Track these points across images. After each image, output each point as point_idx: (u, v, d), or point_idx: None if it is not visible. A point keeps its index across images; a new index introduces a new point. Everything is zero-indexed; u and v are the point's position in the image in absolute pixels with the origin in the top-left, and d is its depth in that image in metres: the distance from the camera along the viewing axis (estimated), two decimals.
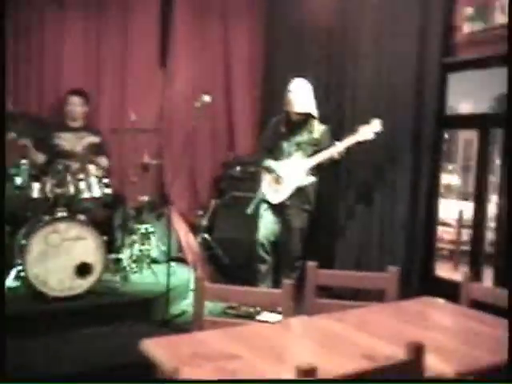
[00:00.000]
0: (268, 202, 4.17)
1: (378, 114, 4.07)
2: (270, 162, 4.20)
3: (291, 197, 4.13)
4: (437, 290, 3.18)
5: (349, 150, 4.12)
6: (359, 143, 3.94)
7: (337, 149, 3.99)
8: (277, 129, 4.18)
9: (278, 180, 4.17)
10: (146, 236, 4.43)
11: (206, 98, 3.92)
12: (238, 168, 5.16)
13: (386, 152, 4.23)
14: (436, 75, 3.96)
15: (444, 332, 2.04)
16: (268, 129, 4.28)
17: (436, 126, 3.96)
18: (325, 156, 4.03)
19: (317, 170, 4.18)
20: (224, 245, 4.86)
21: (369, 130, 3.93)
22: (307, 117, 4.09)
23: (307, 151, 4.10)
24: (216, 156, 5.48)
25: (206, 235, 4.88)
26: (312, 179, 4.13)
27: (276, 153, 4.18)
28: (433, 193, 4.03)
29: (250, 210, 4.21)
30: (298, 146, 4.13)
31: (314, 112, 4.10)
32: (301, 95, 4.05)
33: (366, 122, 3.93)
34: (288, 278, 3.96)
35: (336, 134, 4.14)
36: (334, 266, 4.45)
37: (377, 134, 3.92)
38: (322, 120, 4.18)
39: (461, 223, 5.66)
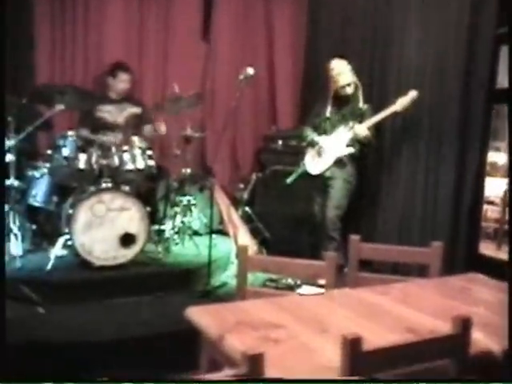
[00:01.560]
0: (309, 174, 4.33)
1: (423, 87, 4.09)
2: (313, 135, 4.38)
3: (332, 168, 4.26)
4: (481, 268, 3.16)
5: (393, 123, 4.23)
6: (397, 113, 4.07)
7: (375, 119, 4.11)
8: (321, 110, 4.36)
9: (319, 152, 4.32)
10: (187, 208, 4.47)
11: (250, 71, 3.91)
12: (280, 142, 5.19)
13: (431, 125, 4.21)
14: (488, 46, 3.89)
15: (489, 308, 2.02)
16: (314, 110, 4.49)
17: (485, 99, 3.91)
18: (366, 125, 4.15)
19: (359, 143, 4.28)
20: (265, 218, 4.92)
21: (405, 101, 4.02)
22: (352, 90, 4.26)
23: (351, 124, 4.22)
24: (258, 129, 5.49)
25: (247, 208, 4.96)
26: (351, 150, 4.22)
27: (319, 130, 4.38)
28: (480, 170, 4.01)
29: (289, 180, 4.41)
30: (343, 117, 4.28)
31: (358, 83, 4.25)
32: (342, 69, 4.25)
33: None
34: (326, 249, 4.12)
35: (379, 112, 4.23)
36: (374, 239, 4.41)
37: (414, 104, 4.00)
38: (366, 100, 4.31)
39: (506, 202, 5.47)
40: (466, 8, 3.98)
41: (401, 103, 4.05)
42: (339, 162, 4.27)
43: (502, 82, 4.25)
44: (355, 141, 4.22)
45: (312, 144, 4.39)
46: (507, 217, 5.22)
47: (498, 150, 6.46)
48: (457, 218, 4.05)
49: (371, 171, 4.69)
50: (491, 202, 5.74)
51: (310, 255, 2.20)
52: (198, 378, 1.34)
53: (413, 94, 4.04)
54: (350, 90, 4.27)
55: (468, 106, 3.98)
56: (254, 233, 4.79)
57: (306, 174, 4.43)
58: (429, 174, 4.25)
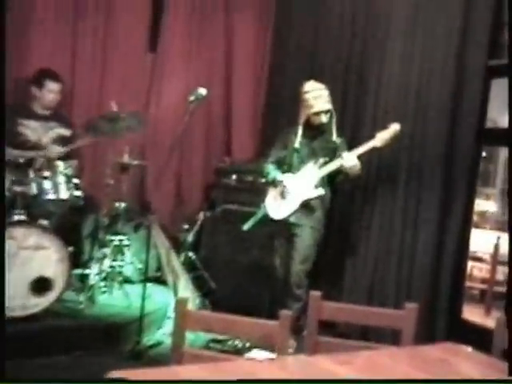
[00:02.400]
0: (270, 219, 4.36)
1: (403, 120, 4.18)
2: (275, 173, 4.40)
3: (298, 213, 4.29)
4: (463, 336, 3.26)
5: (368, 162, 4.31)
6: (375, 149, 4.14)
7: (351, 156, 4.14)
8: (288, 140, 4.41)
9: (283, 193, 4.34)
10: (119, 249, 4.47)
11: (202, 92, 3.98)
12: (234, 177, 5.26)
13: (411, 167, 4.31)
14: (478, 80, 4.01)
15: None
16: (278, 140, 4.52)
17: (474, 140, 4.03)
18: (337, 164, 4.19)
19: (330, 184, 4.37)
20: (212, 267, 4.96)
21: (386, 136, 4.10)
22: (327, 119, 4.33)
23: (322, 160, 4.29)
24: (209, 161, 5.59)
25: (192, 253, 4.99)
26: (321, 192, 4.25)
27: (285, 165, 4.42)
28: (465, 220, 4.08)
29: (246, 227, 4.43)
30: (313, 151, 4.35)
31: (333, 112, 4.34)
32: (319, 93, 4.31)
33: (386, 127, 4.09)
34: (289, 309, 4.02)
35: (353, 147, 4.30)
36: (341, 299, 4.50)
37: (396, 139, 4.09)
38: (339, 133, 4.42)
39: (496, 259, 5.65)
40: (454, 36, 4.11)
41: (381, 138, 4.12)
42: (307, 207, 4.29)
43: (496, 120, 4.46)
44: (340, 174, 4.28)
45: (274, 183, 4.41)
46: (499, 276, 5.37)
47: (488, 197, 6.65)
48: (437, 276, 4.11)
49: (340, 219, 4.76)
50: (478, 259, 5.92)
51: (267, 315, 2.19)
52: None
53: (395, 127, 4.11)
54: (325, 119, 4.34)
55: (454, 145, 4.09)
56: (198, 283, 4.79)
57: (266, 219, 4.45)
58: (406, 223, 4.32)
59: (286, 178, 4.35)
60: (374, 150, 4.25)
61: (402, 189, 4.37)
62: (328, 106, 4.31)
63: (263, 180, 4.64)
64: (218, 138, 5.65)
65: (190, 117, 3.85)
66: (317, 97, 4.27)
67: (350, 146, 4.30)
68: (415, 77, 4.33)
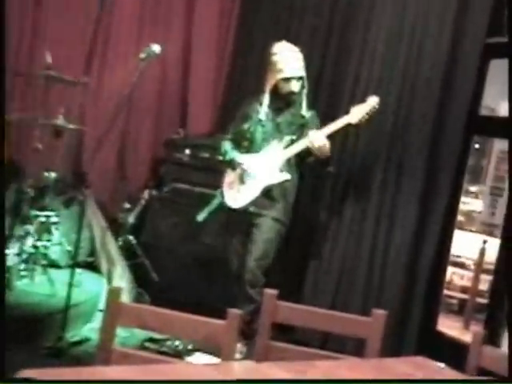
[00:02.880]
0: (226, 207, 4.34)
1: (385, 99, 4.22)
2: (234, 153, 4.36)
3: (259, 201, 4.27)
4: (437, 351, 3.36)
5: (342, 148, 4.37)
6: (349, 126, 4.16)
7: (318, 134, 4.11)
8: (251, 111, 4.38)
9: (242, 178, 4.32)
10: (45, 228, 4.41)
11: (155, 49, 3.96)
12: (188, 151, 5.26)
13: (390, 155, 4.36)
14: (474, 58, 4.02)
15: None
16: (240, 111, 4.48)
17: (465, 128, 4.08)
18: (303, 144, 4.16)
19: (297, 168, 4.35)
20: (155, 254, 4.95)
21: (362, 111, 4.09)
22: (298, 89, 4.28)
23: (287, 139, 4.27)
24: (160, 131, 5.56)
25: (132, 237, 4.94)
26: (286, 177, 4.22)
27: (245, 141, 4.41)
28: (448, 220, 4.14)
29: (200, 218, 4.40)
30: (278, 128, 4.31)
31: (305, 82, 4.30)
32: (291, 56, 4.26)
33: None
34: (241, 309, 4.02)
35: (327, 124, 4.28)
36: (302, 300, 4.52)
37: (373, 115, 4.09)
38: (310, 106, 4.40)
39: (481, 266, 5.67)
40: (451, 6, 4.15)
41: (357, 113, 4.12)
42: (269, 194, 4.28)
43: (493, 107, 4.52)
44: (309, 156, 4.23)
45: (232, 165, 4.39)
46: (482, 286, 5.45)
47: (476, 195, 6.57)
48: (411, 282, 4.16)
49: (306, 211, 4.78)
50: (460, 265, 5.97)
51: (216, 315, 2.21)
52: None
53: (373, 101, 4.12)
54: (296, 87, 4.29)
55: (441, 132, 4.14)
56: (138, 273, 4.78)
57: (222, 206, 4.43)
58: (380, 220, 4.36)
59: (246, 159, 4.33)
60: (349, 131, 4.31)
61: (378, 180, 4.40)
62: (300, 72, 4.27)
63: (220, 158, 4.63)
64: (172, 107, 5.63)
65: (139, 78, 3.81)
66: (288, 60, 4.23)
67: (324, 123, 4.29)
68: (403, 50, 4.37)
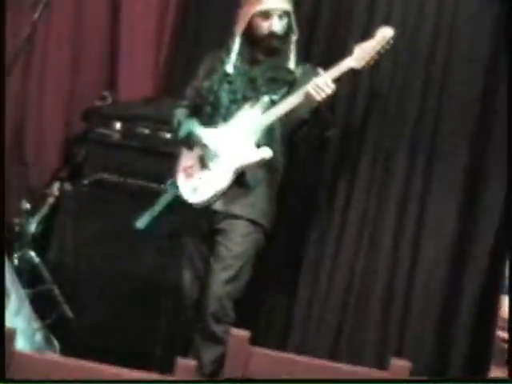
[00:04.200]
0: (181, 203, 4.29)
1: (412, 41, 4.34)
2: (192, 125, 4.28)
3: (228, 194, 4.16)
4: None
5: (345, 120, 4.47)
6: (355, 73, 4.15)
7: (323, 79, 4.00)
8: (215, 65, 4.36)
9: (204, 159, 4.23)
10: None
11: None
12: (119, 126, 4.98)
13: (416, 132, 4.39)
14: None
15: None
16: (200, 67, 4.45)
17: None
18: (294, 101, 4.07)
19: (283, 142, 4.29)
20: (69, 279, 4.76)
21: (370, 49, 4.02)
22: (283, 31, 4.21)
23: (266, 99, 4.20)
24: (76, 96, 5.36)
25: (34, 254, 4.68)
26: (266, 154, 4.08)
27: (207, 109, 4.35)
28: (501, 233, 4.18)
29: (141, 224, 4.25)
30: (253, 84, 4.26)
31: (294, 23, 4.27)
32: None
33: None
34: (198, 355, 4.08)
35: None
36: (286, 344, 4.53)
37: (387, 55, 4.10)
38: (301, 57, 4.40)
39: None
40: None
41: (362, 53, 4.01)
42: (242, 182, 4.14)
43: None
44: (303, 125, 4.18)
45: (189, 141, 4.27)
46: None
47: None
48: (449, 319, 4.19)
49: (295, 206, 4.71)
50: None
51: (160, 365, 2.47)
52: None
53: (385, 33, 4.02)
54: (278, 27, 4.18)
55: (493, 101, 4.23)
56: (42, 306, 4.49)
57: (174, 203, 4.30)
58: (404, 225, 4.38)
59: (208, 133, 4.22)
60: (352, 80, 4.33)
61: (398, 171, 4.42)
62: (285, 4, 4.18)
63: (169, 135, 4.63)
64: (95, 61, 5.38)
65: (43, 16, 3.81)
66: None
67: None
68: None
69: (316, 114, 4.13)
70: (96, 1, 5.39)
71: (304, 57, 4.45)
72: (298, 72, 4.28)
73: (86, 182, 4.89)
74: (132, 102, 5.25)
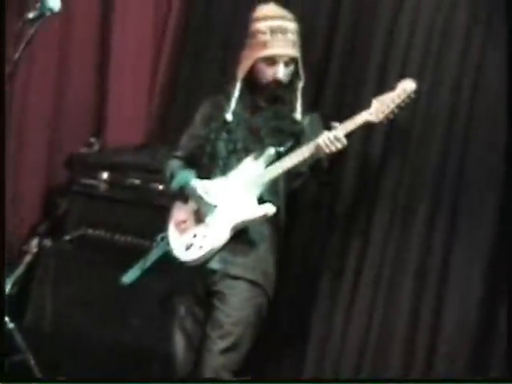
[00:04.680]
0: (174, 260, 4.15)
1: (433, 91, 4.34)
2: (187, 177, 4.19)
3: (225, 251, 4.03)
4: None
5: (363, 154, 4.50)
6: (369, 126, 4.08)
7: (331, 136, 3.94)
8: (214, 112, 4.29)
9: (200, 215, 4.11)
10: None
11: (52, 4, 3.60)
12: (106, 175, 4.93)
13: (440, 180, 4.37)
14: None
15: None
16: (199, 112, 4.39)
17: None
18: (304, 155, 3.99)
19: (286, 194, 4.23)
20: (48, 348, 4.67)
21: (389, 102, 3.97)
22: (289, 77, 4.16)
23: (271, 152, 4.11)
24: (59, 142, 5.31)
25: (8, 320, 4.57)
26: (270, 210, 3.97)
27: (204, 160, 4.27)
28: None
29: (128, 279, 4.19)
30: (255, 135, 4.16)
31: (300, 69, 4.22)
32: (282, 27, 4.14)
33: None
34: None
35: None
36: None
37: (408, 109, 4.10)
38: (308, 106, 4.34)
39: None
40: None
41: (380, 106, 3.96)
42: (242, 240, 4.02)
43: None
44: (303, 174, 4.13)
45: (183, 195, 4.16)
46: None
47: None
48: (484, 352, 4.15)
49: (300, 261, 4.72)
50: None
51: None
52: None
53: (406, 87, 3.97)
54: (284, 74, 4.08)
55: None
56: (18, 378, 4.39)
57: (165, 260, 4.18)
58: (427, 278, 4.33)
59: (204, 185, 4.09)
60: (369, 132, 4.34)
61: (417, 228, 4.38)
62: (293, 51, 4.10)
63: (161, 186, 4.63)
64: (80, 103, 5.35)
65: (27, 47, 3.56)
66: (276, 30, 4.08)
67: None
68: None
69: (315, 165, 4.07)
70: (83, 37, 5.40)
71: (311, 105, 4.39)
72: (305, 122, 4.20)
73: (68, 238, 4.80)
74: (121, 149, 5.17)
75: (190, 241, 4.07)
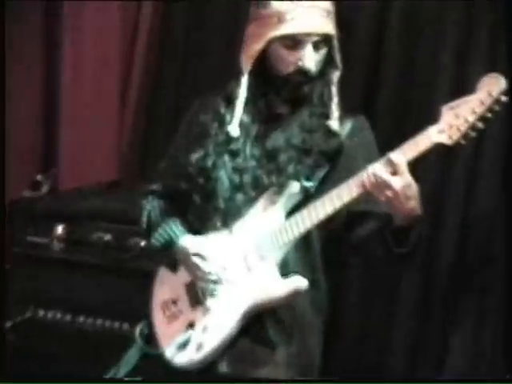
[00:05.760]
0: (165, 365, 3.37)
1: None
2: (172, 229, 3.36)
3: (239, 348, 3.20)
4: None
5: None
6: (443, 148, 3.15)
7: (379, 172, 3.00)
8: (207, 122, 3.42)
9: (195, 291, 3.28)
10: None
11: None
12: (61, 229, 4.32)
13: None
14: None
15: None
16: (183, 125, 3.56)
17: None
18: (344, 198, 3.10)
19: (326, 259, 3.35)
20: None
21: (469, 112, 3.01)
22: (318, 66, 3.27)
23: (297, 185, 3.23)
24: None
25: None
26: (300, 284, 3.11)
27: (197, 200, 3.38)
28: None
29: None
30: (273, 160, 3.31)
31: (337, 54, 3.35)
32: (305, 5, 3.28)
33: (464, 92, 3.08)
34: None
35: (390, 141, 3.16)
36: None
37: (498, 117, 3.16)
38: (350, 107, 3.50)
39: None
40: None
41: (454, 118, 3.01)
42: (262, 337, 3.20)
43: None
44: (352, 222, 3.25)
45: (170, 257, 3.34)
46: None
47: None
48: None
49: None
50: None
51: None
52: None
53: (492, 84, 3.04)
54: (315, 63, 3.18)
55: None
56: None
57: (146, 362, 3.37)
58: None
59: (200, 245, 3.24)
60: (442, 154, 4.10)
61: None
62: (326, 25, 3.23)
63: (143, 243, 4.04)
64: (24, 131, 5.02)
65: None
66: (298, 7, 3.20)
67: (389, 146, 3.05)
68: None
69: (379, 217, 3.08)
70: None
71: (358, 105, 4.07)
72: (345, 131, 3.19)
73: (9, 324, 4.17)
74: (81, 191, 4.63)
75: (184, 334, 3.19)
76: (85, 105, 5.23)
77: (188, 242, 3.17)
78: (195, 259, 3.16)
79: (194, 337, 3.12)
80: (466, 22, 4.37)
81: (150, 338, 3.32)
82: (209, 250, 3.16)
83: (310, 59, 3.06)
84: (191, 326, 3.13)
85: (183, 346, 3.14)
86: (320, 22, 3.10)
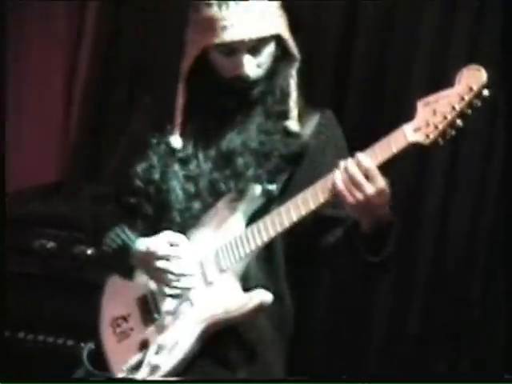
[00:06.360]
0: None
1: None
2: (124, 233, 3.22)
3: (199, 367, 3.05)
4: None
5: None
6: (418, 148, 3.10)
7: (352, 171, 2.87)
8: (146, 137, 3.29)
9: (149, 306, 3.13)
10: None
11: None
12: None
13: None
14: None
15: None
16: (129, 132, 3.40)
17: None
18: (312, 201, 2.96)
19: (292, 271, 3.25)
20: None
21: (447, 109, 2.89)
22: (253, 73, 3.13)
23: (257, 190, 3.10)
24: None
25: None
26: (265, 298, 3.01)
27: (147, 209, 3.24)
28: None
29: None
30: (229, 165, 3.24)
31: (292, 46, 3.23)
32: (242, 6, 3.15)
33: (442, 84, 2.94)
34: None
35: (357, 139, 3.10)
36: None
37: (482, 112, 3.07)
38: (316, 100, 3.42)
39: None
40: None
41: (430, 115, 2.87)
42: (221, 357, 3.07)
43: None
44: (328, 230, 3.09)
45: (122, 262, 3.14)
46: None
47: None
48: None
49: None
50: None
51: None
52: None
53: (473, 78, 2.94)
54: (255, 68, 3.07)
55: None
56: None
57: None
58: None
59: (164, 244, 3.04)
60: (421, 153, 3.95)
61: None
62: (263, 27, 3.11)
63: (90, 251, 3.97)
64: None
65: None
66: (235, 11, 3.07)
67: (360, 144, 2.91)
68: None
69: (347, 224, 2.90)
70: None
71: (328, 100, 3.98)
72: (311, 128, 3.05)
73: None
74: (22, 193, 4.47)
75: (136, 356, 3.01)
76: (28, 102, 5.08)
77: (149, 243, 2.95)
78: (160, 263, 2.93)
79: (147, 358, 2.97)
80: (445, 8, 4.18)
81: (99, 358, 3.14)
82: (176, 250, 2.95)
83: (248, 65, 2.94)
84: (144, 345, 2.99)
85: (136, 368, 2.98)
86: (256, 25, 2.96)
